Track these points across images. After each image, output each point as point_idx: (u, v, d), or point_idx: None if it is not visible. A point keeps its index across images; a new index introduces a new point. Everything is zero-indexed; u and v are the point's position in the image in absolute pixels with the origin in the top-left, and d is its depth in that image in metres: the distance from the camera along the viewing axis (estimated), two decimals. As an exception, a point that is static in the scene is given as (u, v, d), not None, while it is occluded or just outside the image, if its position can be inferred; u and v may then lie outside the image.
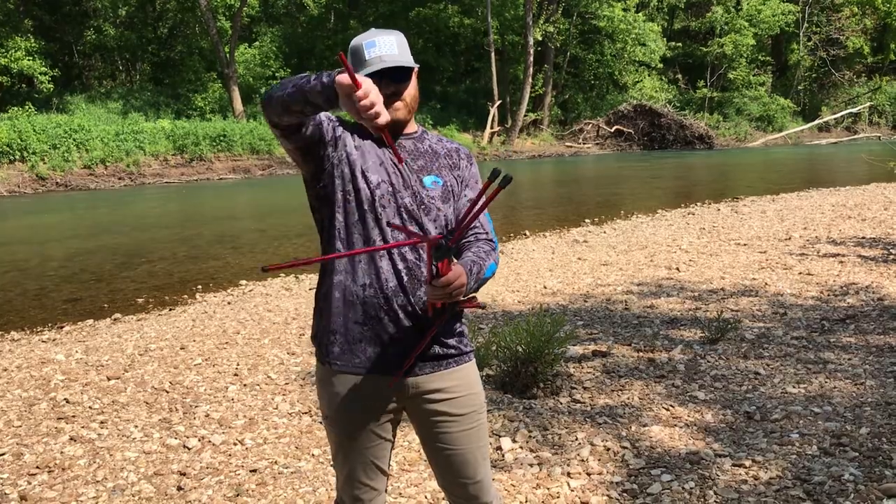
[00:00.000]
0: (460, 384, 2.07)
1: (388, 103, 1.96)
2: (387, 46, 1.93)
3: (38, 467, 3.74)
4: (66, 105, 29.82)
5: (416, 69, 2.01)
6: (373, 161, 2.01)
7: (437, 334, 2.04)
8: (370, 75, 1.91)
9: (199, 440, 4.02)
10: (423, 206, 2.01)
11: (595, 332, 5.82)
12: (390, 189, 1.99)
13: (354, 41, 1.97)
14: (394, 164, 2.02)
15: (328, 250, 2.04)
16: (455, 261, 1.93)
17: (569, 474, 3.40)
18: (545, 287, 7.60)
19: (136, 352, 5.85)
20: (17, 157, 23.98)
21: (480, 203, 1.76)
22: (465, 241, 2.05)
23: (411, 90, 2.01)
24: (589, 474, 3.39)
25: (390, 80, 1.95)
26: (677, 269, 8.17)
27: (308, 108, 1.81)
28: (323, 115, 2.00)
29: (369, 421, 2.06)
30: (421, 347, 1.97)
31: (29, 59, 28.38)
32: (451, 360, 2.06)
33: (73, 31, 34.02)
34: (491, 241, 2.07)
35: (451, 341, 2.06)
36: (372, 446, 2.09)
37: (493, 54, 38.07)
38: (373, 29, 2.01)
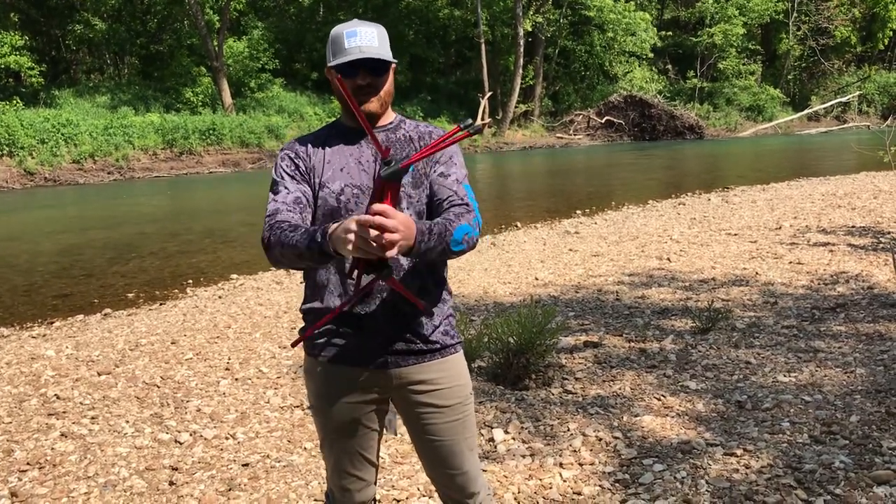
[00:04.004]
0: (445, 376, 2.06)
1: (363, 94, 1.96)
2: (367, 38, 1.92)
3: (28, 464, 3.72)
4: (53, 99, 29.59)
5: (393, 65, 2.00)
6: (334, 169, 2.00)
7: (426, 330, 2.03)
8: (347, 65, 1.91)
9: (191, 435, 4.01)
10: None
11: (586, 322, 5.83)
12: (356, 191, 1.98)
13: (335, 29, 1.96)
14: (359, 162, 2.00)
15: (306, 272, 2.08)
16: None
17: (561, 465, 3.40)
18: (536, 278, 7.60)
19: (127, 347, 5.83)
20: (4, 151, 23.83)
21: (443, 143, 1.70)
22: (439, 210, 1.98)
23: (387, 85, 2.00)
24: (581, 465, 3.40)
25: (367, 71, 1.94)
26: (668, 259, 8.19)
27: (319, 259, 1.81)
28: (295, 189, 2.00)
29: (354, 411, 2.07)
30: (354, 299, 1.90)
31: (15, 55, 28.10)
32: (437, 353, 2.06)
33: (60, 25, 33.73)
34: (466, 204, 1.98)
35: (436, 335, 2.06)
36: (358, 436, 2.10)
37: (483, 46, 37.98)
38: (355, 19, 2.00)
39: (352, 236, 1.60)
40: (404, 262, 1.99)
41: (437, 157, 2.05)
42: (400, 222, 1.62)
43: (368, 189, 1.98)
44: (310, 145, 2.05)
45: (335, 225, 1.70)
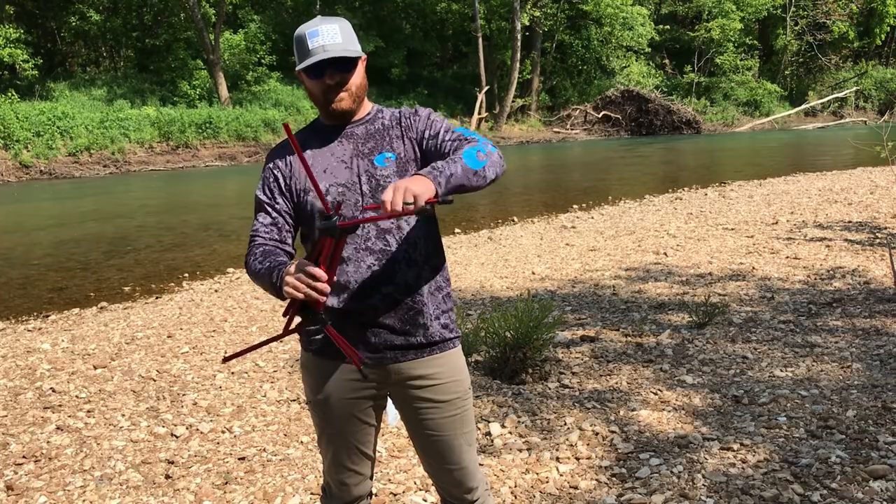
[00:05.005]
0: (444, 371, 2.06)
1: (333, 93, 1.95)
2: (330, 35, 1.90)
3: (24, 457, 3.71)
4: (49, 92, 29.48)
5: (363, 57, 1.98)
6: (317, 172, 2.00)
7: (425, 323, 2.02)
8: (312, 66, 1.90)
9: (187, 428, 4.01)
10: (379, 188, 1.97)
11: (583, 317, 5.83)
12: (341, 188, 1.98)
13: (298, 31, 1.94)
14: (341, 160, 2.00)
15: None
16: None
17: (558, 459, 3.40)
18: (533, 273, 7.60)
19: (123, 340, 5.81)
20: (0, 144, 23.75)
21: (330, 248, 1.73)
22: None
23: (357, 79, 1.98)
24: (578, 459, 3.40)
25: (334, 69, 1.92)
26: (665, 253, 8.19)
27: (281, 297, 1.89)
28: (273, 211, 2.03)
29: (351, 406, 2.06)
30: (276, 338, 1.91)
31: (10, 47, 27.96)
32: (435, 347, 2.05)
33: (56, 18, 33.61)
34: (461, 138, 1.98)
35: (435, 328, 2.05)
36: (355, 431, 2.10)
37: (480, 40, 37.94)
38: (318, 17, 1.98)
39: (289, 279, 1.71)
40: (400, 255, 1.98)
41: (418, 127, 2.04)
42: (403, 183, 1.65)
43: (353, 185, 1.97)
44: (289, 154, 2.05)
45: (287, 268, 1.77)
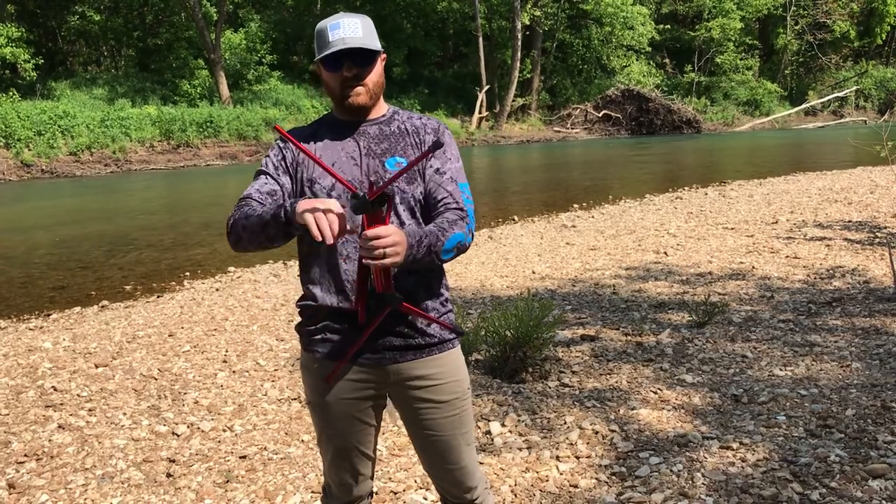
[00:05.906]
0: (443, 371, 2.05)
1: (349, 87, 1.94)
2: (351, 29, 1.89)
3: (26, 455, 3.73)
4: (50, 91, 29.50)
5: (382, 55, 1.98)
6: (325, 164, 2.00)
7: (424, 324, 2.01)
8: (330, 56, 1.90)
9: (188, 427, 4.02)
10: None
11: (583, 316, 5.84)
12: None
13: (320, 24, 1.94)
14: (351, 157, 1.98)
15: (302, 267, 2.06)
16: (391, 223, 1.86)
17: (558, 458, 3.41)
18: (534, 272, 7.61)
19: (124, 339, 5.82)
20: (1, 143, 23.77)
21: (408, 164, 1.71)
22: (434, 211, 1.98)
23: (374, 76, 1.97)
24: (578, 457, 3.41)
25: (352, 63, 1.91)
26: (665, 253, 8.20)
27: (282, 231, 1.83)
28: (274, 182, 2.00)
29: (350, 407, 2.06)
30: (364, 336, 1.91)
31: (11, 46, 27.97)
32: (434, 348, 2.04)
33: (57, 17, 33.64)
34: (461, 209, 1.97)
35: (434, 330, 2.04)
36: (355, 431, 2.09)
37: (480, 39, 37.95)
38: (341, 12, 1.98)
39: (307, 211, 1.67)
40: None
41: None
42: (391, 240, 1.69)
43: (361, 184, 1.96)
44: (300, 140, 2.03)
45: (304, 200, 1.73)
